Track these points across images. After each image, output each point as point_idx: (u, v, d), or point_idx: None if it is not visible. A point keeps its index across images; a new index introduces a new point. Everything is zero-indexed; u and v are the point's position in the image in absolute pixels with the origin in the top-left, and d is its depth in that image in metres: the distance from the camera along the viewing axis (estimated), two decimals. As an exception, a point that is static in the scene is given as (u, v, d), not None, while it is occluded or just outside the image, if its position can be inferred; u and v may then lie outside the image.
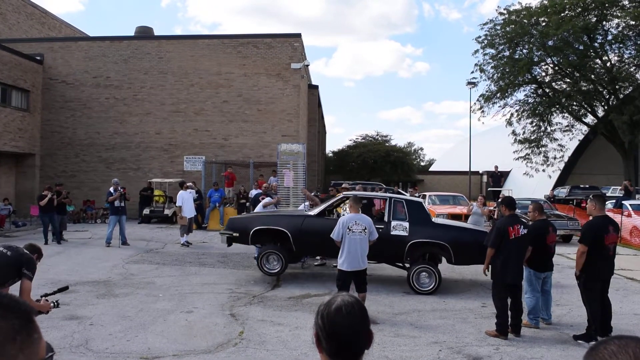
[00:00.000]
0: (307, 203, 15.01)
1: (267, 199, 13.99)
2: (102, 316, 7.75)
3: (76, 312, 7.92)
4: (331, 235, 7.83)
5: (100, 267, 11.85)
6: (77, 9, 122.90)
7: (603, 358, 1.14)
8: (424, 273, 9.70)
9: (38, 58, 25.59)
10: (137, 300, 8.84)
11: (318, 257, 12.93)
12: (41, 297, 4.21)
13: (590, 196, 7.61)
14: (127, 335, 6.89)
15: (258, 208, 13.66)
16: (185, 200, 16.00)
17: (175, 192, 22.61)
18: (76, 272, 11.22)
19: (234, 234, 10.71)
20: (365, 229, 7.70)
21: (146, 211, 22.32)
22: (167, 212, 22.27)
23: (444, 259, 10.32)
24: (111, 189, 15.60)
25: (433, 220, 10.73)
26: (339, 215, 11.09)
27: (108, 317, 7.69)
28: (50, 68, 25.84)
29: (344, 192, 11.95)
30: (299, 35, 25.58)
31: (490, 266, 7.37)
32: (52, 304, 4.22)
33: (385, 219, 10.18)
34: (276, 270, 10.32)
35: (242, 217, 11.33)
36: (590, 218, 7.40)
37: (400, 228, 9.96)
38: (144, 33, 29.96)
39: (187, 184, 17.29)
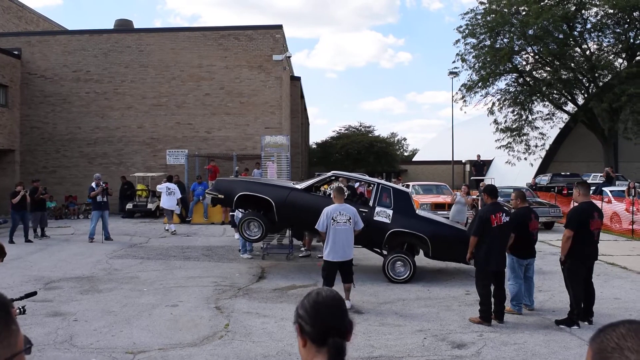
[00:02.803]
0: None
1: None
2: (86, 312, 7.70)
3: (60, 309, 7.86)
4: (316, 227, 7.88)
5: (84, 263, 11.75)
6: (55, 2, 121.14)
7: (611, 340, 1.10)
8: (399, 262, 9.76)
9: (16, 53, 25.17)
10: (121, 295, 8.79)
11: (303, 248, 12.95)
12: None
13: (575, 183, 7.72)
14: (112, 330, 6.85)
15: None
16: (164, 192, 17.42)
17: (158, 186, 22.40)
18: (59, 269, 11.12)
19: (219, 195, 10.65)
20: (350, 219, 7.74)
21: (129, 206, 22.17)
22: (150, 206, 22.13)
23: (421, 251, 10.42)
24: (93, 184, 15.46)
25: (417, 212, 10.77)
26: (325, 193, 11.05)
27: (92, 313, 7.64)
28: (28, 62, 25.45)
29: (334, 171, 11.91)
30: (280, 27, 25.47)
31: (473, 254, 7.44)
32: (17, 310, 4.09)
33: (370, 203, 10.20)
34: (256, 237, 10.27)
35: (229, 180, 11.23)
36: (575, 204, 7.49)
37: (383, 215, 10.00)
38: (124, 26, 29.59)
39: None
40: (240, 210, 11.31)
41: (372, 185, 10.83)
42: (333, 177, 11.00)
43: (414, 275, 9.71)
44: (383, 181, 11.97)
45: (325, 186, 12.05)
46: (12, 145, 24.61)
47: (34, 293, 4.58)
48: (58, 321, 7.20)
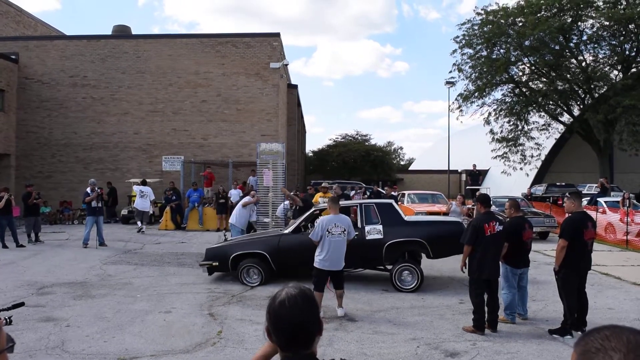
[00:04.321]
0: (286, 202, 15.02)
1: (246, 199, 14.01)
2: (78, 317, 7.66)
3: (52, 314, 7.82)
4: (310, 236, 7.92)
5: (77, 269, 11.70)
6: (53, 7, 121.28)
7: (595, 341, 1.13)
8: (406, 271, 9.77)
9: (13, 57, 25.19)
10: (114, 301, 8.75)
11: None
12: None
13: (567, 194, 7.73)
14: (104, 336, 6.82)
15: (237, 207, 13.66)
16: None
17: (153, 193, 22.46)
18: (52, 274, 11.07)
19: (214, 264, 10.67)
20: (345, 230, 7.78)
21: (124, 212, 22.13)
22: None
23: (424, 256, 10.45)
24: (88, 190, 15.43)
25: (405, 218, 10.80)
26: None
27: (85, 319, 7.61)
28: (25, 67, 25.46)
29: (314, 207, 11.86)
30: (278, 35, 25.56)
31: (467, 263, 7.45)
32: (4, 321, 4.02)
33: (359, 224, 10.19)
34: (256, 283, 10.28)
35: (218, 246, 11.24)
36: (569, 215, 7.51)
37: (374, 232, 10.02)
38: (122, 32, 29.66)
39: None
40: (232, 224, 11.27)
41: (355, 207, 10.87)
42: (316, 212, 11.04)
43: (421, 283, 9.72)
44: (363, 200, 11.96)
45: (318, 196, 12.06)
46: (7, 149, 24.57)
47: (22, 304, 4.53)
48: (50, 326, 7.16)
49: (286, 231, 10.85)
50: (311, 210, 11.35)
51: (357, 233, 9.80)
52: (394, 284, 9.73)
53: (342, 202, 13.04)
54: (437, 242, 9.93)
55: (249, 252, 10.50)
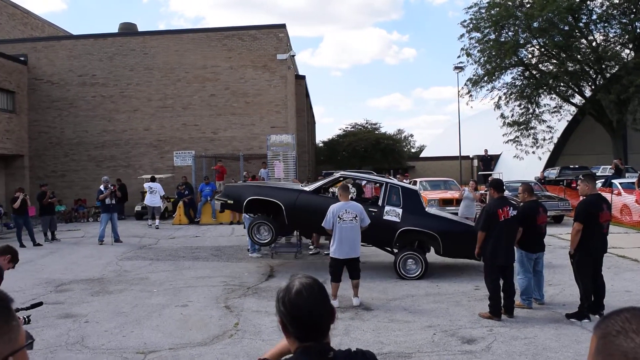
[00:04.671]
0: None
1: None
2: (97, 313, 7.75)
3: (71, 310, 7.91)
4: (322, 224, 7.89)
5: (94, 265, 11.82)
6: (59, 8, 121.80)
7: (615, 324, 1.12)
8: (410, 260, 9.74)
9: (22, 59, 25.34)
10: (131, 296, 8.83)
11: (311, 246, 12.95)
12: None
13: (580, 176, 7.65)
14: (123, 331, 6.89)
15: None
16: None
17: (166, 188, 22.61)
18: (70, 271, 11.19)
19: (229, 201, 10.68)
20: (356, 216, 7.75)
21: (138, 207, 22.29)
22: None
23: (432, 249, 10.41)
24: (101, 187, 15.55)
25: (427, 210, 10.73)
26: (334, 195, 11.04)
27: (103, 314, 7.69)
28: (34, 68, 25.61)
29: (341, 172, 11.91)
30: (283, 26, 25.47)
31: (481, 249, 7.41)
32: (23, 320, 4.09)
33: (380, 203, 10.18)
34: (266, 241, 10.30)
35: (238, 185, 11.27)
36: (583, 198, 7.43)
37: (392, 214, 9.98)
38: (128, 29, 29.69)
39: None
40: (249, 215, 11.32)
41: (381, 185, 10.79)
42: (341, 178, 10.99)
43: (425, 272, 9.70)
44: (391, 180, 11.93)
45: (336, 186, 12.05)
46: (20, 150, 24.78)
47: (40, 304, 4.58)
48: (69, 323, 7.25)
49: (307, 189, 10.73)
50: (336, 176, 11.32)
51: (375, 210, 9.79)
52: (397, 271, 9.71)
53: (370, 177, 13.03)
54: (451, 241, 9.84)
55: (265, 199, 10.42)
